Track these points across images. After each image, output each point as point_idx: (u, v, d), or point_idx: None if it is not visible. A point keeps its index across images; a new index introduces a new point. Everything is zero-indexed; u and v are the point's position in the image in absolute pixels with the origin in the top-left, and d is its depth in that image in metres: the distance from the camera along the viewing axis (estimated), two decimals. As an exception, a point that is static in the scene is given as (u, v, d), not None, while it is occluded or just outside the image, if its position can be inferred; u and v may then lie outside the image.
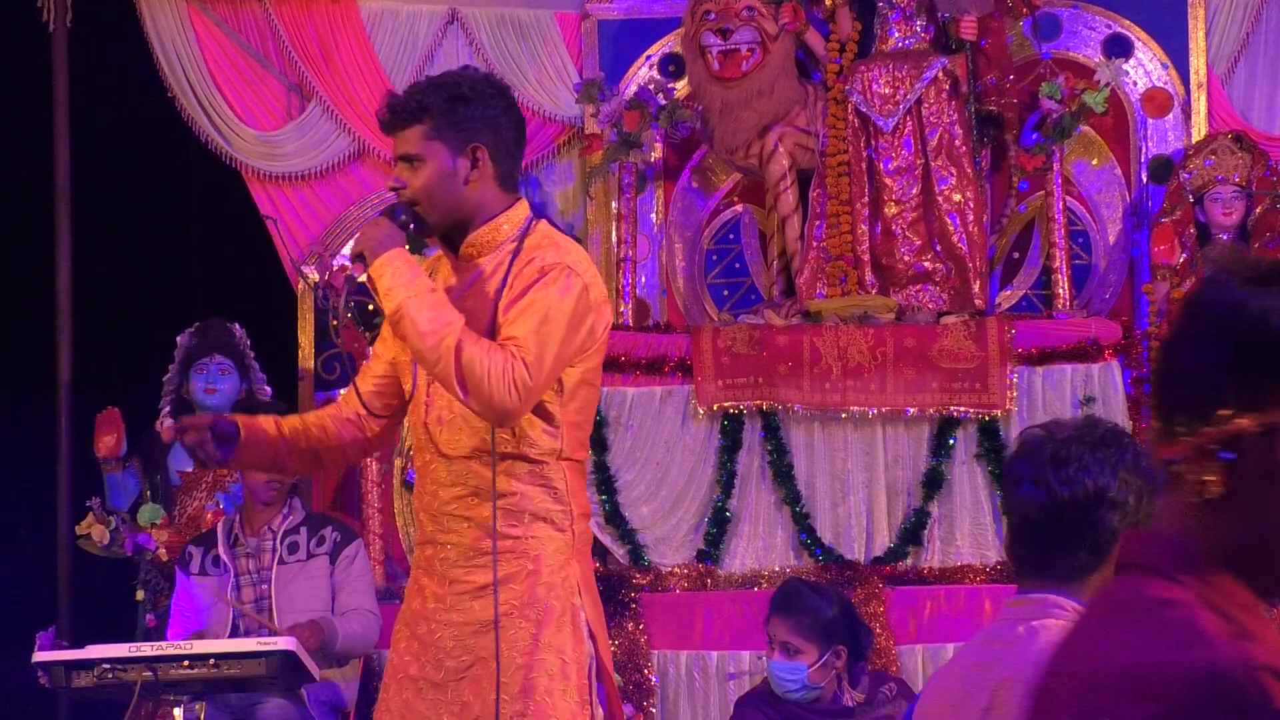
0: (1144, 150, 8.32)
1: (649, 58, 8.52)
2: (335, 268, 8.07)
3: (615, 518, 7.58)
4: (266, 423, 4.30)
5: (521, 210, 4.23)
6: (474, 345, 4.00)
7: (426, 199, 4.16)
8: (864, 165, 8.08)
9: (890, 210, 8.05)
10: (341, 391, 4.62)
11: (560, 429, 4.18)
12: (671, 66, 8.50)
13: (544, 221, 4.27)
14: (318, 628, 6.40)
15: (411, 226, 4.17)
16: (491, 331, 4.09)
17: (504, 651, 4.09)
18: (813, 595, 5.98)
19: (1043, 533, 2.91)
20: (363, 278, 4.14)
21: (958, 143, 8.01)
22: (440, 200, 4.16)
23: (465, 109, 4.15)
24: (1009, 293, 8.32)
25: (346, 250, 8.37)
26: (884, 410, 7.57)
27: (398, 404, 4.37)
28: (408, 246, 4.18)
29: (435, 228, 4.22)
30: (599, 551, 7.27)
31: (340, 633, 6.52)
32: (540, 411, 4.13)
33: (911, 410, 7.56)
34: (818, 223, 8.15)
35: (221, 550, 6.73)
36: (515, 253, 4.16)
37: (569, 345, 4.09)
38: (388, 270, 4.07)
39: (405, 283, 4.05)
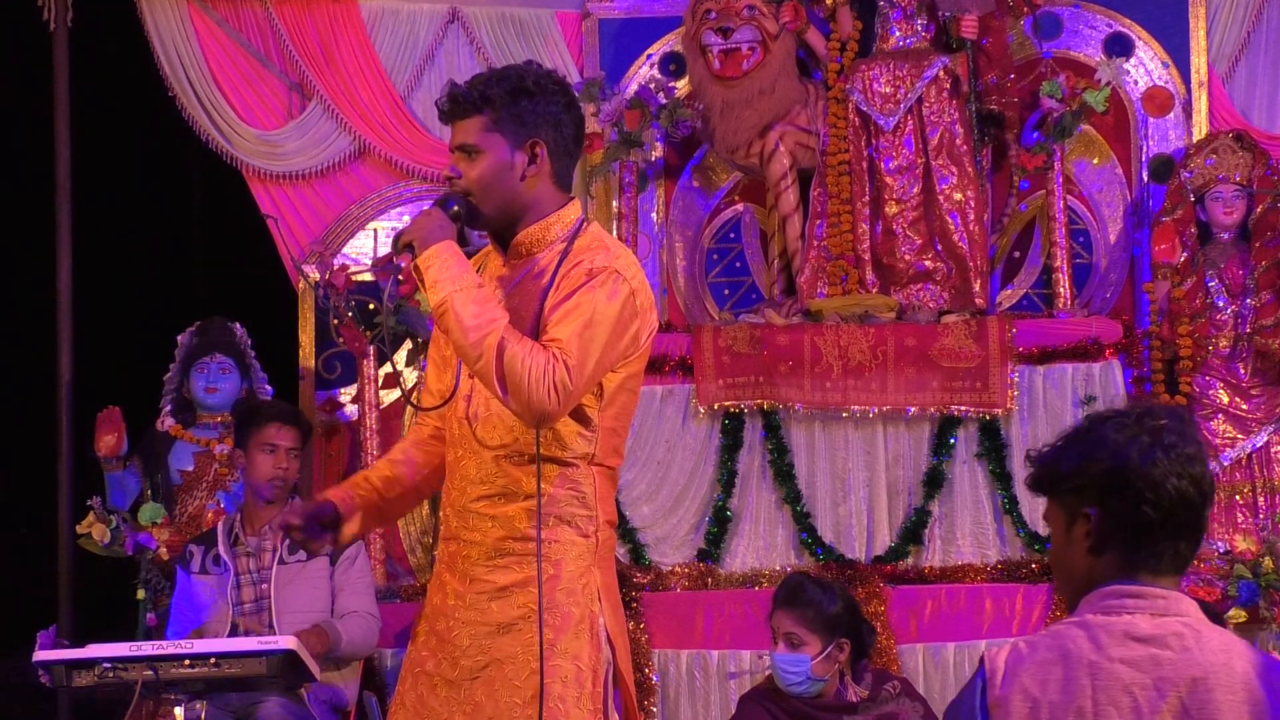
0: (1145, 149, 8.31)
1: (649, 57, 8.51)
2: (336, 267, 8.05)
3: (616, 517, 7.56)
4: (362, 489, 4.27)
5: (573, 210, 4.19)
6: (517, 344, 3.94)
7: (481, 190, 4.11)
8: (865, 164, 8.07)
9: (891, 209, 8.04)
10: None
11: (596, 434, 4.14)
12: (672, 65, 8.50)
13: (595, 224, 4.23)
14: (323, 633, 6.40)
15: (462, 218, 4.11)
16: (535, 331, 4.05)
17: (519, 654, 4.06)
18: (817, 589, 5.99)
19: (1182, 528, 2.95)
20: (406, 265, 4.05)
21: (958, 142, 8.00)
22: (495, 193, 4.11)
23: (528, 103, 4.11)
24: (1010, 292, 8.31)
25: (352, 252, 8.37)
26: (885, 409, 7.56)
27: None
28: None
29: (487, 220, 4.16)
30: (600, 551, 7.26)
31: (344, 637, 6.53)
32: (577, 415, 4.09)
33: (912, 409, 7.55)
34: (818, 222, 8.14)
35: (222, 549, 6.73)
36: (564, 253, 4.11)
37: (612, 350, 4.05)
38: (436, 262, 4.00)
39: (453, 276, 3.99)
